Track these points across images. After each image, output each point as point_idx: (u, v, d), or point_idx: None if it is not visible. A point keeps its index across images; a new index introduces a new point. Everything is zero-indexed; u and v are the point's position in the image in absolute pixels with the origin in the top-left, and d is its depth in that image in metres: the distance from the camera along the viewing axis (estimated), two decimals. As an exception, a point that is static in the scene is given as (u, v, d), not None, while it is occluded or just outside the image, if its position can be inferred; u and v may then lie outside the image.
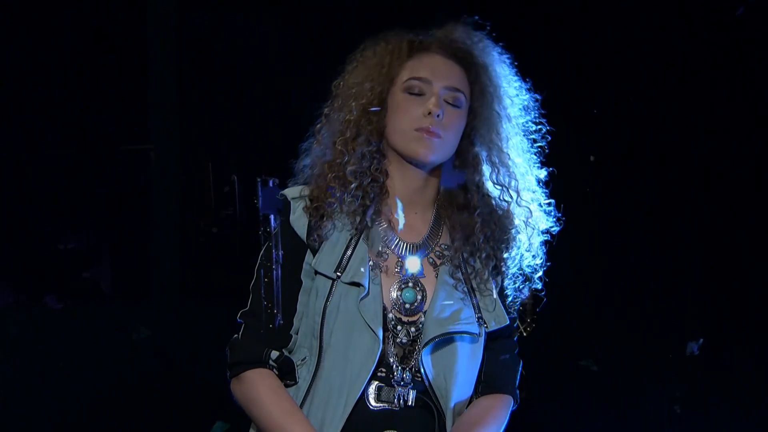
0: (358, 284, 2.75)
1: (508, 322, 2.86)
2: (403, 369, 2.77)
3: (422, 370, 2.76)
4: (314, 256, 2.79)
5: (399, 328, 2.78)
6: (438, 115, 2.76)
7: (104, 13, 4.80)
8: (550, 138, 2.90)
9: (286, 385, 2.79)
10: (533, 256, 2.90)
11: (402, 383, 2.76)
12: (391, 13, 4.44)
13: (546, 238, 2.92)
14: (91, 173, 4.80)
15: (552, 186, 2.94)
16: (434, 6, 2.93)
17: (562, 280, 4.55)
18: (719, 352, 4.67)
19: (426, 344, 2.75)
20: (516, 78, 2.90)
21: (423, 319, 2.79)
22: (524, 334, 3.02)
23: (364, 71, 2.84)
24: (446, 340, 2.77)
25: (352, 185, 2.79)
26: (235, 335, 2.82)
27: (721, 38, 4.59)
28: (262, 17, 4.82)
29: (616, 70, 4.66)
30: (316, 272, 2.79)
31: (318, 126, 2.88)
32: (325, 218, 2.80)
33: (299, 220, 2.81)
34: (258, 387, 2.75)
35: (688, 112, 4.65)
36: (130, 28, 4.82)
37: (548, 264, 2.92)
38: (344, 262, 2.77)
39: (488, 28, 2.88)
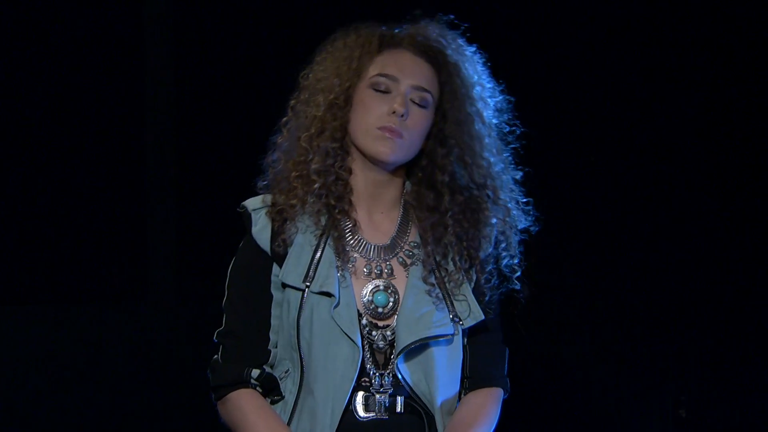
0: (328, 294, 2.71)
1: (483, 318, 2.79)
2: (381, 375, 2.72)
3: (399, 376, 2.71)
4: (280, 267, 2.74)
5: (374, 333, 2.74)
6: (402, 115, 2.71)
7: (101, 9, 4.83)
8: (525, 142, 2.86)
9: (273, 401, 2.76)
10: (511, 255, 2.83)
11: (382, 390, 2.72)
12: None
13: (524, 237, 2.86)
14: (87, 177, 4.83)
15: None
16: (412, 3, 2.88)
17: (567, 279, 4.56)
18: (725, 355, 4.67)
19: (399, 353, 2.70)
20: (489, 79, 2.83)
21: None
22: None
23: (333, 64, 2.78)
24: (421, 345, 2.72)
25: (316, 185, 2.74)
26: (215, 356, 2.79)
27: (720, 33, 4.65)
28: (259, 15, 4.84)
29: (611, 67, 4.71)
30: (284, 285, 2.74)
31: (284, 119, 2.83)
32: (288, 221, 2.75)
33: (262, 232, 2.76)
34: (243, 408, 2.72)
35: (684, 113, 4.69)
36: (127, 27, 4.85)
37: (525, 264, 2.85)
38: (311, 271, 2.72)
39: (463, 27, 2.82)
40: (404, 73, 2.74)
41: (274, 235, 2.74)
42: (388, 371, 2.73)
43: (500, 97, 2.84)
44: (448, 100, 2.77)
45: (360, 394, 2.72)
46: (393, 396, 2.72)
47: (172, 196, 4.83)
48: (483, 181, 2.79)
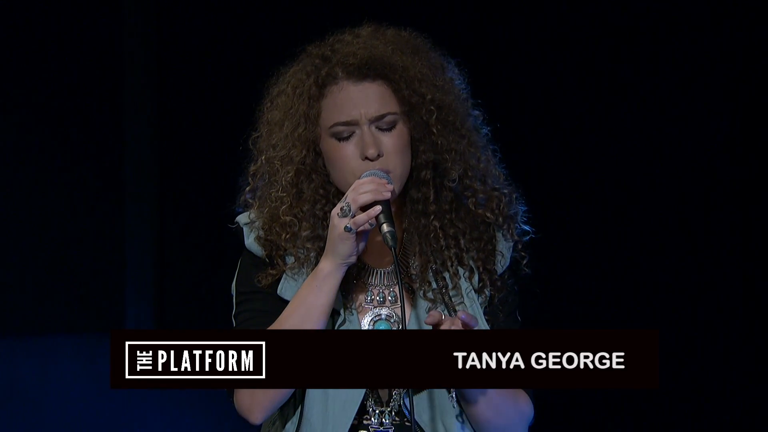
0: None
1: None
2: (382, 413, 2.56)
3: (406, 412, 2.54)
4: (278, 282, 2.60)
5: None
6: (378, 155, 2.54)
7: (80, 12, 4.81)
8: (490, 127, 2.68)
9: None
10: (518, 254, 2.65)
11: (382, 429, 2.55)
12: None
13: (525, 228, 2.66)
14: (63, 197, 4.82)
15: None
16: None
17: (591, 301, 4.44)
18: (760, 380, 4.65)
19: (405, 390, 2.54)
20: (442, 58, 2.64)
21: None
22: None
23: (282, 124, 2.61)
24: None
25: (311, 253, 2.58)
26: None
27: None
28: (245, 15, 4.79)
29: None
30: (282, 300, 2.58)
31: (248, 188, 2.66)
32: (280, 248, 2.60)
33: (253, 245, 2.62)
34: None
35: (685, 111, 4.65)
36: (107, 33, 4.83)
37: (530, 269, 2.67)
38: None
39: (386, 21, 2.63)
40: (357, 109, 2.55)
41: (269, 258, 2.60)
42: (390, 408, 2.56)
43: (460, 79, 2.65)
44: (410, 103, 2.58)
45: (361, 433, 2.58)
46: (393, 433, 2.58)
47: (152, 218, 4.83)
48: (468, 178, 2.61)
